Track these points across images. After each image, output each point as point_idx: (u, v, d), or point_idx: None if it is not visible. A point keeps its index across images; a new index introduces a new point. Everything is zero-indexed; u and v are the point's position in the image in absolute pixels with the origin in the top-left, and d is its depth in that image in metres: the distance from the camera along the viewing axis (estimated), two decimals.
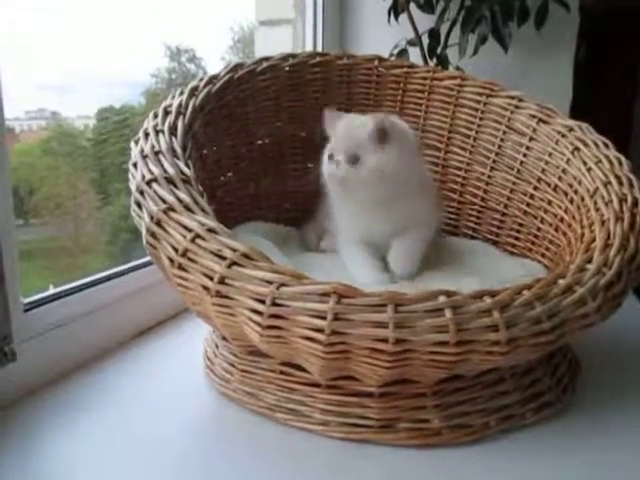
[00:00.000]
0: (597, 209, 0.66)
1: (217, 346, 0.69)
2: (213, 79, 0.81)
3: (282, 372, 0.60)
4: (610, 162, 0.71)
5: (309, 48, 1.36)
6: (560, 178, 0.77)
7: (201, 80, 0.80)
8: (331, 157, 0.75)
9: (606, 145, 0.74)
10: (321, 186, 0.79)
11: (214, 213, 0.63)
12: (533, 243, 0.81)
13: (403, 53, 1.18)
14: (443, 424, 0.56)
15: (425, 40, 1.17)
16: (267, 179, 0.90)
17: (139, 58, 1.06)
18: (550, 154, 0.79)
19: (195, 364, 0.71)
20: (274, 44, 1.45)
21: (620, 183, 0.68)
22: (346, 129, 0.75)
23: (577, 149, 0.75)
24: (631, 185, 0.67)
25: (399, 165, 0.72)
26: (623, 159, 0.72)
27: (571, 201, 0.73)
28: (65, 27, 0.90)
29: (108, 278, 0.80)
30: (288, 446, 0.56)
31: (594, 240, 0.61)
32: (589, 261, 0.58)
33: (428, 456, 0.55)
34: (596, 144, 0.75)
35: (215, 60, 1.37)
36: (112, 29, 0.97)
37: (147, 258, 0.87)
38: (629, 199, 0.65)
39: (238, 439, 0.58)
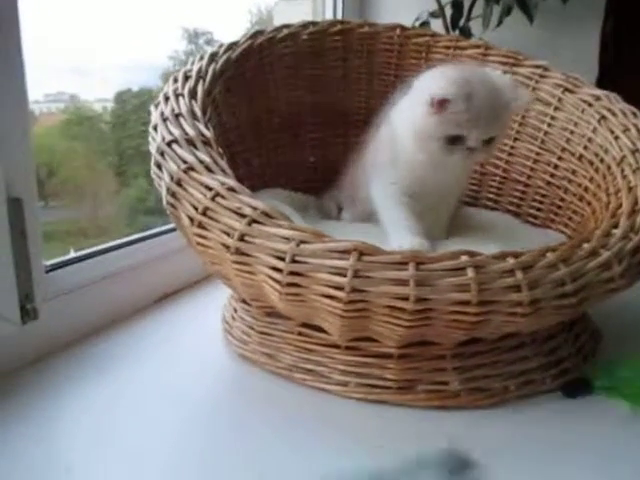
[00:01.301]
0: (624, 176, 0.64)
1: (235, 310, 0.69)
2: (233, 45, 0.80)
3: (300, 333, 0.60)
4: (638, 130, 0.69)
5: None
6: (586, 147, 0.75)
7: (221, 46, 0.79)
8: (457, 140, 0.64)
9: (634, 114, 0.73)
10: (345, 156, 0.77)
11: (236, 179, 0.63)
12: (556, 214, 0.80)
13: (425, 25, 1.16)
14: (462, 387, 0.56)
15: (448, 12, 1.15)
16: (287, 147, 0.89)
17: (157, 41, 1.06)
18: (576, 123, 0.78)
19: (214, 328, 0.71)
20: (294, 19, 1.44)
21: None
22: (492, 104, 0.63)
23: (604, 118, 0.74)
24: None
25: None
26: None
27: (597, 170, 0.72)
28: (83, 10, 0.90)
29: (129, 243, 0.81)
30: (306, 406, 0.56)
31: (620, 206, 0.60)
32: (615, 226, 0.56)
33: (446, 418, 0.55)
34: (624, 113, 0.73)
35: None
36: (130, 12, 0.96)
37: (167, 226, 0.87)
38: None
39: (257, 398, 0.58)
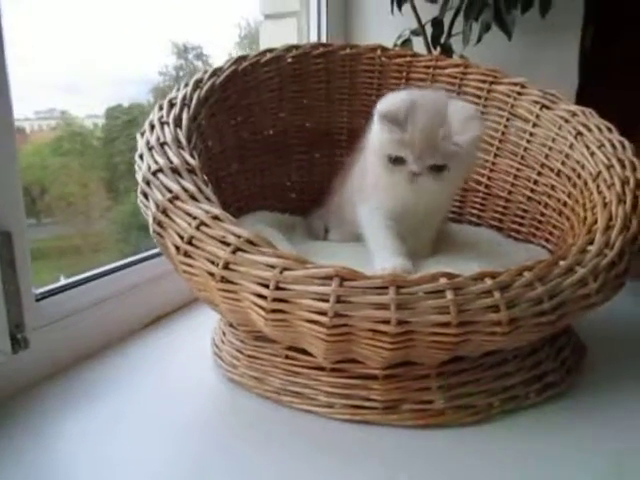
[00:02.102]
0: (599, 192, 0.66)
1: (224, 333, 0.70)
2: (217, 71, 0.82)
3: (287, 356, 0.61)
4: (613, 146, 0.71)
5: (314, 40, 1.37)
6: (563, 163, 0.77)
7: (205, 72, 0.81)
8: (400, 162, 0.65)
9: (609, 129, 0.74)
10: (331, 176, 0.78)
11: (222, 204, 0.64)
12: (537, 228, 0.81)
13: (407, 43, 1.18)
14: (447, 405, 0.57)
15: (429, 29, 1.17)
16: (272, 169, 0.91)
17: (147, 56, 1.07)
18: (553, 139, 0.79)
19: (203, 352, 0.72)
20: (279, 37, 1.46)
21: (623, 166, 0.68)
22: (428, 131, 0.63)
23: (580, 134, 0.75)
24: (634, 168, 0.67)
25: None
26: (626, 143, 0.72)
27: (574, 185, 0.73)
28: (73, 26, 0.91)
29: (117, 269, 0.82)
30: (294, 428, 0.57)
31: (596, 222, 0.61)
32: (591, 242, 0.58)
33: (432, 437, 0.56)
34: (599, 128, 0.75)
35: (222, 56, 1.38)
36: (119, 27, 0.98)
37: (155, 250, 0.88)
38: (631, 181, 0.65)
39: (245, 422, 0.59)
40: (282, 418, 0.59)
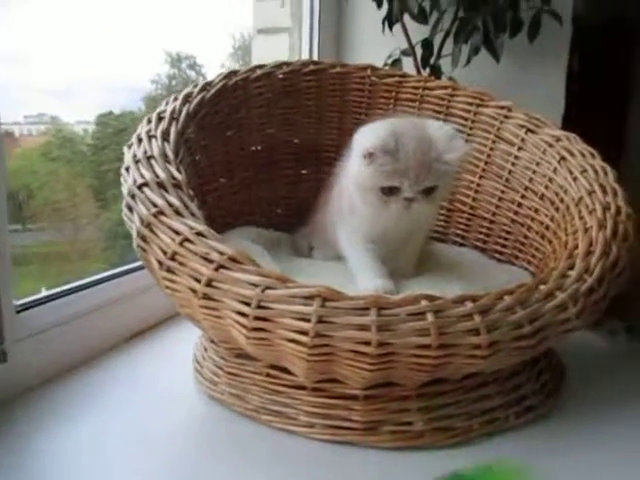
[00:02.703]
0: (581, 217, 0.67)
1: (206, 349, 0.69)
2: (207, 86, 0.82)
3: (268, 374, 0.61)
4: (595, 172, 0.72)
5: (305, 56, 1.38)
6: (547, 187, 0.78)
7: (195, 87, 0.81)
8: (393, 191, 0.65)
9: (592, 155, 0.76)
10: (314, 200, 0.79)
11: (206, 218, 0.64)
12: (520, 250, 0.82)
13: (397, 63, 1.19)
14: (426, 427, 0.57)
15: (419, 50, 1.18)
16: (259, 185, 0.91)
17: (140, 64, 1.08)
18: (538, 163, 0.80)
19: (185, 367, 0.72)
20: (271, 52, 1.47)
21: (604, 192, 0.69)
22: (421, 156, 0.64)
23: (564, 158, 0.76)
24: (615, 194, 0.69)
25: None
26: (608, 169, 0.73)
27: (557, 209, 0.74)
28: (66, 32, 0.91)
29: (100, 281, 0.81)
30: (273, 448, 0.57)
31: (577, 247, 0.62)
32: (571, 267, 0.59)
33: (411, 458, 0.56)
34: (582, 154, 0.76)
35: (215, 67, 1.38)
36: (113, 34, 0.98)
37: (139, 262, 0.88)
38: (612, 208, 0.66)
39: (224, 441, 0.59)
40: (261, 437, 0.58)
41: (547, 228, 0.76)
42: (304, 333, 0.50)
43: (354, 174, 0.68)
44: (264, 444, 0.57)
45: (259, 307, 0.51)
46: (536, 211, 0.79)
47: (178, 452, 0.57)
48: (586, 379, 0.70)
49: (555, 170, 0.77)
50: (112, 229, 1.12)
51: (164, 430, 0.60)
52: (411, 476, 0.54)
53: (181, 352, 0.75)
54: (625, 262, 0.61)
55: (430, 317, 0.50)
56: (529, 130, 0.83)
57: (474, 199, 0.89)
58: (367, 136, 0.66)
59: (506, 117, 0.86)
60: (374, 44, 1.29)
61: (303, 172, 0.95)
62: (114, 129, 1.13)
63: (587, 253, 0.60)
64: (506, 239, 0.85)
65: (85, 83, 0.98)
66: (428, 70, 1.17)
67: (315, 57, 1.37)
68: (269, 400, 0.60)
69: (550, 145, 0.79)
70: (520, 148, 0.83)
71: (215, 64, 1.37)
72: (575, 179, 0.73)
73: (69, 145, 1.09)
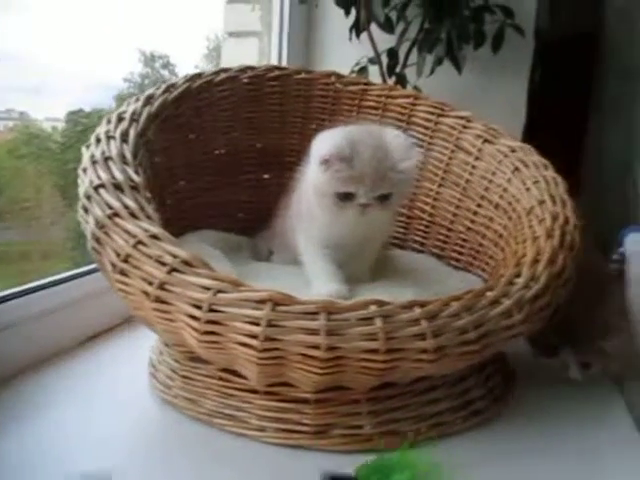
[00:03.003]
0: (531, 226, 0.69)
1: (161, 353, 0.69)
2: (170, 87, 0.82)
3: (221, 378, 0.61)
4: (547, 182, 0.75)
5: (274, 61, 1.39)
6: (501, 196, 0.80)
7: (158, 88, 0.81)
8: (349, 197, 0.67)
9: (545, 166, 0.78)
10: (276, 204, 0.79)
11: (166, 220, 0.64)
12: (475, 258, 0.84)
13: (363, 70, 1.21)
14: (375, 430, 0.58)
15: (386, 59, 1.20)
16: (222, 188, 0.91)
17: (112, 62, 1.07)
18: (493, 173, 0.82)
19: (141, 371, 0.71)
20: (240, 56, 1.47)
21: (554, 202, 0.71)
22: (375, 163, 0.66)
23: (517, 169, 0.79)
24: (564, 205, 0.71)
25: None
26: (559, 180, 0.75)
27: (510, 218, 0.76)
28: (37, 28, 0.90)
29: (57, 283, 0.80)
30: (224, 451, 0.57)
31: (525, 255, 0.64)
32: (518, 275, 0.60)
33: (360, 461, 0.56)
34: (536, 165, 0.78)
35: (189, 67, 1.39)
36: (86, 31, 0.97)
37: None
38: (560, 218, 0.68)
39: (176, 444, 0.59)
40: (213, 441, 0.58)
41: (500, 236, 0.78)
42: (254, 337, 0.51)
43: (311, 180, 0.69)
44: (216, 448, 0.58)
45: (210, 310, 0.52)
46: (491, 220, 0.81)
47: (130, 455, 0.57)
48: (535, 386, 0.72)
49: (509, 180, 0.79)
50: (79, 229, 1.11)
51: (117, 434, 0.60)
52: None
53: (137, 356, 0.74)
54: (571, 271, 0.64)
55: (378, 322, 0.51)
56: (486, 140, 0.85)
57: (433, 207, 0.91)
58: (324, 143, 0.67)
59: (465, 127, 0.88)
60: (342, 51, 1.30)
61: (265, 176, 0.96)
62: (84, 127, 1.12)
63: (534, 261, 0.62)
64: (462, 246, 0.87)
65: (57, 80, 0.97)
66: (394, 78, 1.20)
67: (284, 62, 1.38)
68: (222, 404, 0.60)
69: (506, 156, 0.82)
70: (477, 158, 0.85)
71: (189, 64, 1.37)
72: (528, 189, 0.75)
73: (37, 142, 1.07)
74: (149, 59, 1.26)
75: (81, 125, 1.12)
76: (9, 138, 1.03)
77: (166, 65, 1.30)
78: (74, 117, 1.13)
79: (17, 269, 1.02)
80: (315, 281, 0.69)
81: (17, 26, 0.86)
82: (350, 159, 0.65)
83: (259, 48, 1.46)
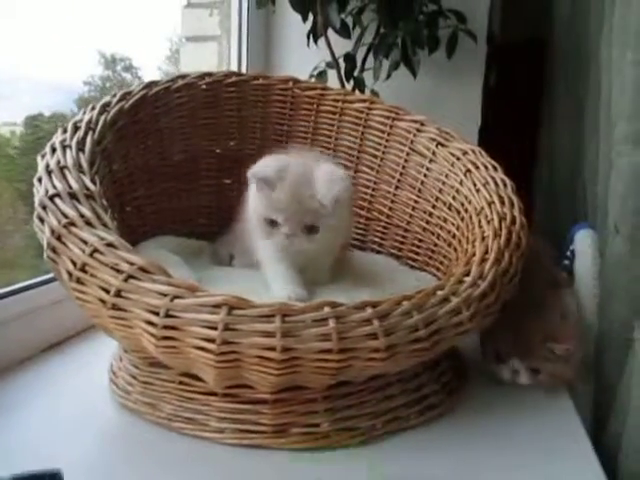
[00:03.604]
0: (480, 226, 0.72)
1: (121, 359, 0.70)
2: (126, 95, 0.82)
3: (181, 382, 0.62)
4: (496, 184, 0.78)
5: (234, 65, 1.40)
6: (454, 197, 0.83)
7: (114, 96, 0.81)
8: (274, 224, 0.68)
9: (495, 168, 0.81)
10: (236, 209, 0.81)
11: (126, 228, 0.65)
12: (430, 257, 0.87)
13: (322, 75, 1.23)
14: (332, 427, 0.59)
15: (343, 63, 1.22)
16: (181, 194, 0.92)
17: (72, 64, 1.05)
18: (447, 175, 0.85)
19: (101, 378, 0.71)
20: (199, 60, 1.48)
21: (502, 203, 0.74)
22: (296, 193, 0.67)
23: (469, 171, 0.82)
24: (512, 205, 0.74)
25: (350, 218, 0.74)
26: (508, 181, 0.79)
27: (462, 219, 0.79)
28: None
29: (15, 292, 0.79)
30: (184, 455, 0.58)
31: (474, 255, 0.67)
32: (467, 274, 0.63)
33: (319, 459, 0.58)
34: (486, 167, 0.81)
35: (151, 70, 1.38)
36: (45, 33, 0.96)
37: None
38: (508, 218, 0.71)
39: (136, 449, 0.59)
40: (173, 444, 0.59)
41: (454, 236, 0.81)
42: (211, 341, 0.52)
43: (249, 200, 0.71)
44: (176, 451, 0.58)
45: (167, 316, 0.53)
46: (445, 220, 0.84)
47: (90, 462, 0.58)
48: (487, 382, 0.74)
49: (461, 182, 0.82)
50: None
51: (76, 440, 0.60)
52: (319, 475, 0.56)
53: (98, 363, 0.74)
54: (516, 269, 0.67)
55: (332, 323, 0.53)
56: (439, 144, 0.88)
57: (390, 208, 0.93)
58: (259, 164, 0.70)
59: (419, 130, 0.91)
60: (301, 55, 1.32)
61: (226, 181, 0.97)
62: (44, 131, 1.11)
63: (482, 260, 0.65)
64: (419, 247, 0.90)
65: (14, 83, 0.95)
66: (352, 82, 1.22)
67: (244, 67, 1.39)
68: (181, 407, 0.61)
69: (458, 158, 0.84)
70: (431, 160, 0.88)
71: (151, 67, 1.36)
72: (478, 190, 0.78)
73: None
74: (110, 62, 1.25)
75: (41, 130, 1.11)
76: None
77: (128, 68, 1.29)
78: (33, 121, 1.11)
79: None
80: (274, 285, 0.71)
81: None
82: (272, 184, 0.67)
83: (218, 52, 1.47)
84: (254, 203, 0.70)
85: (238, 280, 0.76)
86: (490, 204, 0.74)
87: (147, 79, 0.87)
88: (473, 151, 0.84)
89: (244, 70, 1.38)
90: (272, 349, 0.52)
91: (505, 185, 0.78)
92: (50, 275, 0.85)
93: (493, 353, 0.73)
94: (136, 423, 0.63)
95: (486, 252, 0.66)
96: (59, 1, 1.00)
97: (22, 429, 0.62)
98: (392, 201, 0.93)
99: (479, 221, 0.73)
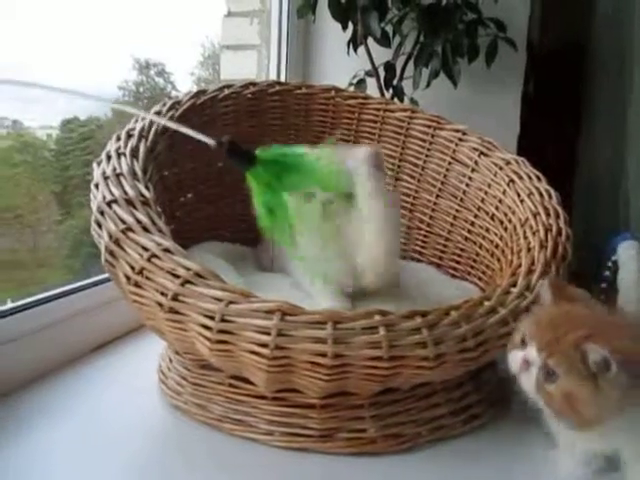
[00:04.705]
0: (525, 237, 0.72)
1: (171, 360, 0.72)
2: (176, 104, 0.85)
3: (231, 385, 0.63)
4: (540, 194, 0.78)
5: (273, 74, 1.42)
6: (497, 208, 0.83)
7: (164, 105, 0.84)
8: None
9: (538, 178, 0.81)
10: None
11: (174, 233, 0.67)
12: (472, 267, 0.87)
13: (361, 83, 1.25)
14: (378, 433, 0.60)
15: (382, 72, 1.23)
16: (225, 200, 0.94)
17: (107, 70, 1.08)
18: (489, 185, 0.86)
19: (150, 378, 0.74)
20: (239, 67, 1.50)
21: (547, 214, 0.74)
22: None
23: (512, 181, 0.82)
24: (557, 216, 0.74)
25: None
26: (552, 192, 0.78)
27: (505, 229, 0.80)
28: (31, 36, 0.91)
29: (65, 294, 0.82)
30: (234, 455, 0.60)
31: (520, 266, 0.67)
32: (514, 285, 0.64)
33: (364, 464, 0.59)
34: (529, 177, 0.81)
35: (184, 75, 1.40)
36: (81, 39, 0.99)
37: (105, 275, 0.89)
38: (554, 229, 0.71)
39: (187, 449, 0.61)
40: (223, 445, 0.61)
41: (496, 247, 0.81)
42: (264, 345, 0.53)
43: None
44: (226, 452, 0.60)
45: (222, 321, 0.54)
46: (487, 230, 0.84)
47: (143, 461, 0.60)
48: None
49: (504, 192, 0.82)
50: (76, 236, 1.12)
51: (129, 440, 0.62)
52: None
53: (145, 364, 0.76)
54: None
55: (382, 331, 0.54)
56: (482, 153, 0.88)
57: (431, 217, 0.94)
58: None
59: (461, 140, 0.91)
60: (340, 64, 1.34)
61: None
62: (79, 135, 1.14)
63: (529, 271, 0.65)
64: (460, 256, 0.90)
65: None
66: (391, 91, 1.23)
67: (282, 75, 1.41)
68: (231, 409, 0.63)
69: (500, 168, 0.85)
70: (473, 170, 0.89)
71: (184, 72, 1.39)
72: (522, 201, 0.78)
73: (31, 150, 1.08)
74: (144, 67, 1.28)
75: (76, 133, 1.14)
76: (3, 147, 1.04)
77: (161, 73, 1.31)
78: (69, 125, 1.15)
79: (14, 276, 1.04)
80: (318, 295, 0.72)
81: (10, 33, 0.87)
82: None
83: (258, 61, 1.49)
84: None
85: (281, 286, 0.78)
86: (535, 215, 0.74)
87: (179, 84, 0.89)
88: (516, 161, 0.84)
89: (283, 79, 1.40)
90: (323, 355, 0.53)
91: (550, 196, 0.78)
92: (97, 278, 0.88)
93: (520, 334, 0.54)
94: (187, 423, 0.65)
95: (532, 263, 0.67)
96: (95, 7, 1.03)
97: (72, 428, 0.64)
98: (433, 210, 0.94)
99: (524, 232, 0.73)
